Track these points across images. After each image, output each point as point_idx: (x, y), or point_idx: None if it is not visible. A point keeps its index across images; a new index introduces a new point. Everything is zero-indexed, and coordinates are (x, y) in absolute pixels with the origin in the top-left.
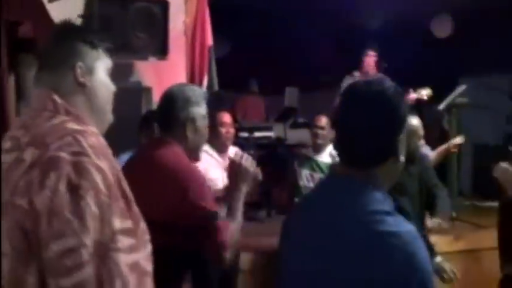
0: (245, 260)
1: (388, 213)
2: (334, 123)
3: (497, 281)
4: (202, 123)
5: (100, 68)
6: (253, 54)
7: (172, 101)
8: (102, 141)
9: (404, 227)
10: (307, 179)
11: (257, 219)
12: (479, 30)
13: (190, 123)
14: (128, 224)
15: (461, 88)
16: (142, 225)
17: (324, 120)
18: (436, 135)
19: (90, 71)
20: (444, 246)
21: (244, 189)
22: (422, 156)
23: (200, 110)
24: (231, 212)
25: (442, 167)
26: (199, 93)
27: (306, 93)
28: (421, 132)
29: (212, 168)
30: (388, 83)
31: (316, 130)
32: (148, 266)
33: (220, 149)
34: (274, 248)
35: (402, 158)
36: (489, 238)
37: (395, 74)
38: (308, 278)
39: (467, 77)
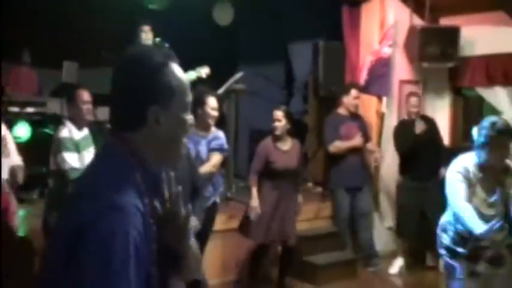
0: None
1: (110, 178)
2: None
3: None
4: None
5: None
6: (27, 22)
7: None
8: None
9: (109, 193)
10: None
11: (28, 201)
12: (257, 21)
13: None
14: None
15: (239, 75)
16: None
17: (86, 95)
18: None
19: None
20: (219, 225)
21: None
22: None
23: None
24: None
25: None
26: None
27: (86, 69)
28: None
29: None
30: (152, 53)
31: (82, 105)
32: None
33: None
34: None
35: (162, 131)
36: None
37: (177, 56)
38: None
39: (245, 65)
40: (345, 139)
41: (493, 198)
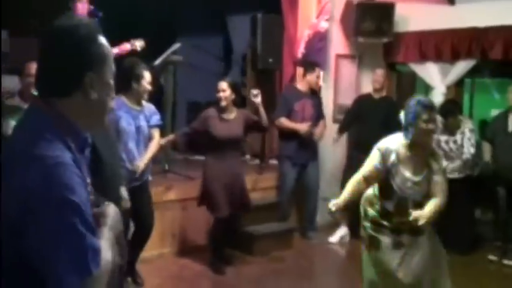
0: None
1: (46, 139)
2: None
3: (202, 225)
4: None
5: None
6: None
7: None
8: None
9: (48, 152)
10: None
11: None
12: None
13: None
14: None
15: (176, 46)
16: None
17: (34, 67)
18: (153, 90)
19: None
20: (156, 197)
21: None
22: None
23: None
24: None
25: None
26: None
27: (16, 38)
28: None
29: None
30: (83, 22)
31: (28, 78)
32: None
33: None
34: None
35: (95, 96)
36: (197, 188)
37: (112, 27)
38: None
39: (183, 36)
40: (300, 114)
41: (418, 178)
